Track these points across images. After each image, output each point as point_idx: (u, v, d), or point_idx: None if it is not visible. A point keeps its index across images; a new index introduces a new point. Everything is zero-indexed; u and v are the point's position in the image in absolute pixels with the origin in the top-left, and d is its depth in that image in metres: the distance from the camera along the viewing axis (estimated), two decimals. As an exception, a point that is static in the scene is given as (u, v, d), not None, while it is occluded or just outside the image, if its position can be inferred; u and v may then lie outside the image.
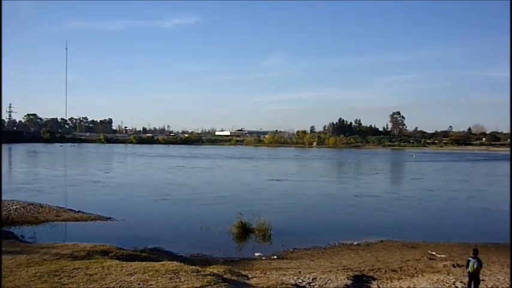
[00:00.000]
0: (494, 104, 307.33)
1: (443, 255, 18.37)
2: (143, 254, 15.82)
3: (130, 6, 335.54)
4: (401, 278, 14.93)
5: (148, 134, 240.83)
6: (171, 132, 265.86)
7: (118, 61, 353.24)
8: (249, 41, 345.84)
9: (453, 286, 13.91)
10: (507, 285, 14.01)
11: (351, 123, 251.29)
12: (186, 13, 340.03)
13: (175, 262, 12.80)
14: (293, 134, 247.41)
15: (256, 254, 19.05)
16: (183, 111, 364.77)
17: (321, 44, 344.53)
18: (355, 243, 21.48)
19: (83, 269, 11.41)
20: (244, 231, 22.83)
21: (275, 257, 18.66)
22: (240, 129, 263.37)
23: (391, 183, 56.29)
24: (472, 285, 12.64)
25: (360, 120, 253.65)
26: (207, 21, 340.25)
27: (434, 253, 18.95)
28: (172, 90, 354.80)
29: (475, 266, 12.31)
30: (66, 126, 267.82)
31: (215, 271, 12.37)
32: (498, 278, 14.73)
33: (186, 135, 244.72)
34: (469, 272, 12.51)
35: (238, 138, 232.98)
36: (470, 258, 12.47)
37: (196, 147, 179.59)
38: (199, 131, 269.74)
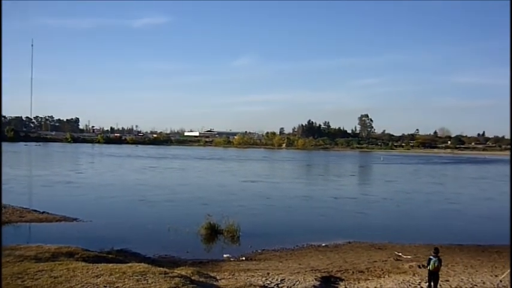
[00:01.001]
0: (459, 108, 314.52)
1: (409, 256, 18.65)
2: (110, 256, 15.57)
3: (101, 4, 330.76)
4: (368, 279, 15.09)
5: (116, 134, 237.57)
6: (140, 132, 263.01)
7: (87, 59, 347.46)
8: (219, 41, 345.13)
9: (419, 287, 14.15)
10: (470, 285, 14.30)
11: (320, 125, 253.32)
12: (156, 12, 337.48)
13: (142, 264, 12.63)
14: (262, 135, 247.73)
15: (225, 256, 18.99)
16: (152, 111, 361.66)
17: (290, 46, 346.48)
18: (323, 244, 21.62)
19: (47, 271, 11.14)
20: (213, 232, 22.73)
21: (243, 258, 18.63)
22: (209, 129, 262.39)
23: (360, 185, 56.91)
24: (432, 283, 13.04)
25: (329, 123, 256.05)
26: (178, 21, 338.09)
27: (400, 254, 19.23)
28: (142, 90, 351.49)
29: (435, 264, 12.74)
30: (31, 125, 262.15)
31: (183, 273, 12.26)
32: (462, 279, 15.03)
33: (155, 135, 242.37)
34: (429, 270, 12.93)
35: (207, 139, 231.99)
36: (431, 257, 12.90)
37: (165, 147, 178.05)
38: (168, 131, 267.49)
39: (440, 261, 12.91)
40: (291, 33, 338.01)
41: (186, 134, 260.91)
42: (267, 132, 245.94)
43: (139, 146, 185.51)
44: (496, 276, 15.42)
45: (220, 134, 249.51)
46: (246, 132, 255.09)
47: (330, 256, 19.15)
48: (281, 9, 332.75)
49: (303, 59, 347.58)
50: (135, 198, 34.95)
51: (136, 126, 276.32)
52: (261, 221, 27.74)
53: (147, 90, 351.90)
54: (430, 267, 12.82)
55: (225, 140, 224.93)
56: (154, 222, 25.71)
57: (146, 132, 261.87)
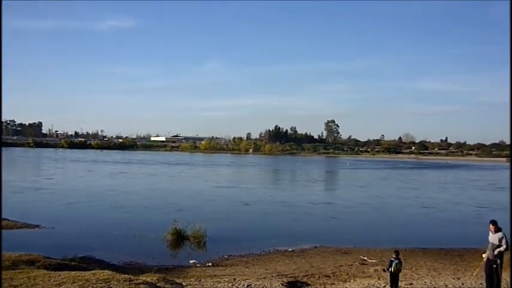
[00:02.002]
0: (422, 114, 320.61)
1: (374, 260, 18.86)
2: (73, 263, 15.23)
3: (63, 5, 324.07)
4: (334, 283, 15.19)
5: (80, 139, 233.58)
6: (105, 137, 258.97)
7: (50, 62, 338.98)
8: (185, 46, 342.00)
9: (383, 290, 14.30)
10: (433, 288, 14.55)
11: (286, 130, 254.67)
12: (121, 15, 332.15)
13: (106, 271, 12.39)
14: (229, 141, 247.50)
15: (191, 261, 18.83)
16: (117, 116, 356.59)
17: (257, 51, 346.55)
18: (290, 249, 21.68)
19: (7, 280, 10.80)
20: (179, 238, 22.53)
21: (210, 264, 18.51)
22: (175, 134, 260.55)
23: (326, 190, 57.40)
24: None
25: (295, 128, 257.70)
26: (143, 25, 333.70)
27: (366, 258, 19.42)
28: (107, 94, 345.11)
29: (397, 266, 13.16)
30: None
31: (148, 279, 12.08)
32: (425, 282, 15.27)
33: (121, 140, 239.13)
34: (391, 272, 13.25)
35: (174, 144, 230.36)
36: (392, 259, 13.27)
37: (130, 152, 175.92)
38: (134, 136, 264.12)
39: (401, 263, 13.31)
40: (257, 37, 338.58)
41: (152, 139, 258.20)
42: (234, 138, 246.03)
43: (105, 151, 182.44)
44: (458, 278, 15.73)
45: (186, 139, 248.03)
46: (212, 137, 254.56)
47: (297, 261, 19.20)
48: (249, 14, 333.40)
49: (270, 64, 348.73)
50: (102, 204, 34.39)
51: (102, 130, 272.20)
52: (228, 226, 27.63)
53: (112, 94, 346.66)
54: (392, 269, 13.17)
55: (192, 145, 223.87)
56: (120, 228, 25.30)
57: (112, 137, 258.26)
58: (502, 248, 12.11)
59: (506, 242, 12.05)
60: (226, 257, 20.00)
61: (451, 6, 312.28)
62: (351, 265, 18.29)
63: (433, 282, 15.11)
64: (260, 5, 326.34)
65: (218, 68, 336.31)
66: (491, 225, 12.51)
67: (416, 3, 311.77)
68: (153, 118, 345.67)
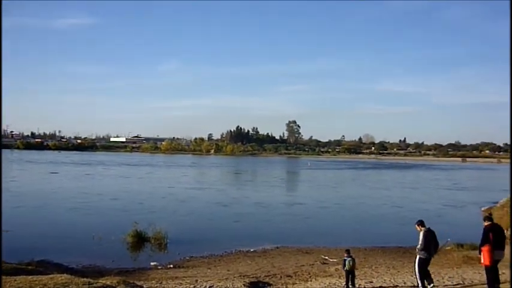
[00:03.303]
0: (382, 115, 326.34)
1: (335, 260, 19.04)
2: (29, 267, 14.82)
3: (24, 2, 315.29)
4: (296, 283, 15.27)
5: (37, 139, 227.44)
6: (63, 137, 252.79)
7: (6, 60, 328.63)
8: (145, 45, 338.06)
9: (344, 289, 14.47)
10: (392, 286, 14.79)
11: (248, 131, 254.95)
12: (80, 13, 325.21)
13: (65, 275, 12.10)
14: (191, 141, 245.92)
15: (152, 264, 18.63)
16: (76, 116, 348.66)
17: (218, 51, 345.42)
18: (251, 250, 21.73)
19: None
20: (140, 240, 22.27)
21: (171, 265, 18.36)
22: (136, 135, 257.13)
23: (287, 191, 57.78)
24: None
25: (257, 128, 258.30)
26: (103, 23, 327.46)
27: (327, 258, 19.62)
28: (64, 93, 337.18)
29: (351, 263, 13.47)
30: None
31: (108, 282, 11.86)
32: (384, 280, 15.50)
33: (79, 141, 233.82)
34: (346, 270, 13.58)
35: (134, 145, 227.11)
36: (345, 258, 13.59)
37: (89, 153, 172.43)
38: (93, 137, 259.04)
39: (354, 260, 13.63)
40: (217, 37, 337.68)
41: (112, 139, 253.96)
42: (195, 138, 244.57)
43: (62, 152, 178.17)
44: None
45: (147, 139, 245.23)
46: (174, 138, 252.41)
47: (259, 261, 19.24)
48: (209, 13, 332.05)
49: (230, 65, 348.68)
50: (62, 207, 33.62)
51: (59, 131, 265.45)
52: (190, 227, 27.50)
53: (70, 93, 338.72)
54: (347, 267, 13.51)
55: (153, 145, 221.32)
56: (80, 231, 24.83)
57: (70, 137, 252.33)
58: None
59: (420, 243, 12.61)
60: (188, 258, 19.89)
61: (408, 9, 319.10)
62: (312, 264, 18.46)
63: (392, 280, 15.36)
64: (221, 6, 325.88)
65: (179, 68, 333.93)
66: (417, 226, 13.02)
67: (376, 7, 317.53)
68: (113, 119, 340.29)
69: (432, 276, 15.25)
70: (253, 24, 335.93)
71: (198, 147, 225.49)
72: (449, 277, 15.45)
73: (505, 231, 24.88)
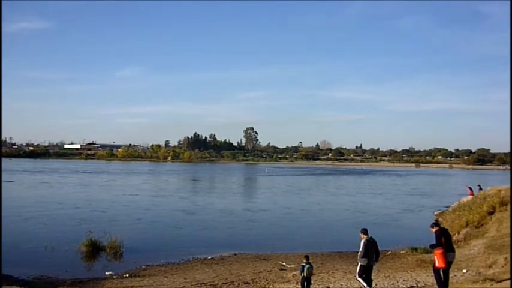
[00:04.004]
0: (338, 121, 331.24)
1: (292, 266, 19.10)
2: (-23, 280, 14.26)
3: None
4: (254, 290, 15.23)
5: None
6: (14, 144, 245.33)
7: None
8: (102, 51, 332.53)
9: (301, 295, 14.52)
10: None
11: (206, 137, 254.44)
12: (35, 17, 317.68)
13: (15, 286, 11.71)
14: (147, 148, 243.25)
15: (107, 273, 18.20)
16: (28, 122, 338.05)
17: (176, 59, 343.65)
18: (209, 257, 21.56)
19: None
20: (94, 249, 21.73)
21: (127, 275, 17.98)
22: (91, 142, 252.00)
23: (245, 198, 57.65)
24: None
25: (215, 135, 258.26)
26: (58, 28, 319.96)
27: (284, 264, 19.66)
28: (16, 99, 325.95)
29: (309, 270, 13.51)
30: None
31: (60, 294, 11.54)
32: (341, 284, 15.66)
33: (31, 148, 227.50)
34: (303, 276, 13.58)
35: (89, 152, 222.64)
36: (304, 264, 13.60)
37: (43, 161, 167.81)
38: (46, 144, 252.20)
39: (311, 267, 13.72)
40: (175, 44, 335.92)
41: (66, 146, 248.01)
42: (152, 145, 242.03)
43: (13, 159, 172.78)
44: (372, 279, 16.23)
45: (103, 146, 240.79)
46: (130, 144, 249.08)
47: (216, 269, 19.09)
48: (167, 20, 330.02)
49: (188, 71, 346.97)
50: (18, 216, 32.27)
51: (10, 138, 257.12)
52: (149, 235, 27.10)
53: (21, 99, 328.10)
54: (304, 273, 13.52)
55: (108, 152, 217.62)
56: (32, 240, 24.03)
57: (21, 144, 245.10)
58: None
59: (361, 250, 13.04)
60: (144, 267, 19.54)
61: (363, 18, 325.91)
62: (270, 271, 18.45)
63: (349, 285, 15.53)
64: (180, 13, 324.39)
65: (136, 74, 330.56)
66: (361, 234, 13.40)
67: (331, 15, 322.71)
68: (67, 125, 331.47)
69: (387, 279, 15.58)
70: (210, 32, 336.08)
71: (155, 154, 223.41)
72: (404, 280, 15.75)
73: (455, 235, 25.68)
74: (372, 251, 13.03)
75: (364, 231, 13.29)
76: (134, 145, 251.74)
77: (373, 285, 15.34)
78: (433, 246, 12.43)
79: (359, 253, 13.08)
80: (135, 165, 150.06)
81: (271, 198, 52.63)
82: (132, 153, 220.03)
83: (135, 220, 32.62)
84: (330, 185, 78.09)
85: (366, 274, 13.21)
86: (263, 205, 44.36)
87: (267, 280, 16.67)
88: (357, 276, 13.34)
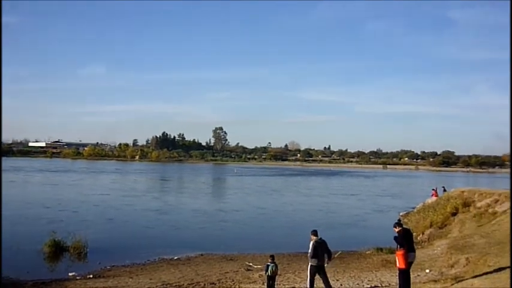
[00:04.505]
0: (307, 122, 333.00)
1: (259, 266, 19.08)
2: None
3: None
4: (220, 291, 15.17)
5: None
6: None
7: None
8: (68, 47, 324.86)
9: (267, 295, 14.53)
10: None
11: (174, 137, 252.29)
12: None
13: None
14: (115, 147, 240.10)
15: (70, 274, 17.85)
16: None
17: (143, 57, 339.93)
18: (175, 257, 21.38)
19: None
20: (58, 250, 21.28)
21: (91, 276, 17.67)
22: (57, 140, 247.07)
23: (212, 198, 57.54)
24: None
25: (183, 135, 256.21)
26: (19, 22, 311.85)
27: (251, 264, 19.64)
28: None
29: (273, 269, 13.72)
30: None
31: (21, 295, 11.26)
32: (307, 285, 15.71)
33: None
34: (268, 275, 13.80)
35: (54, 150, 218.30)
36: (268, 263, 13.82)
37: (6, 159, 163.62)
38: (10, 142, 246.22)
39: (276, 266, 13.92)
40: (144, 42, 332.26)
41: (30, 144, 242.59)
42: (120, 144, 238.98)
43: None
44: (337, 280, 16.37)
45: (69, 145, 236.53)
46: (97, 143, 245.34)
47: (182, 269, 18.95)
48: (136, 18, 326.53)
49: (157, 70, 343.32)
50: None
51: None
52: (114, 235, 26.74)
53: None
54: (269, 272, 13.73)
55: (74, 151, 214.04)
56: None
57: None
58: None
59: (310, 251, 13.45)
60: (108, 267, 19.24)
61: (333, 20, 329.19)
62: (237, 271, 18.40)
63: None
64: (148, 11, 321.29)
65: (103, 72, 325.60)
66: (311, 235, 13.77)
67: (301, 16, 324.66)
68: (32, 123, 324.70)
69: (352, 280, 15.73)
70: (179, 30, 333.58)
71: (123, 153, 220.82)
72: (369, 280, 15.93)
73: (419, 235, 26.15)
74: (321, 251, 13.40)
75: (314, 233, 13.68)
76: (101, 144, 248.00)
77: (338, 285, 15.52)
78: (397, 243, 12.69)
79: (308, 254, 13.45)
80: (102, 164, 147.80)
81: (243, 198, 52.62)
82: (99, 152, 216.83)
83: (105, 220, 32.22)
84: (301, 186, 78.45)
85: (318, 274, 13.59)
86: (235, 205, 44.29)
87: (233, 280, 16.63)
88: (308, 277, 13.66)
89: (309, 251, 13.40)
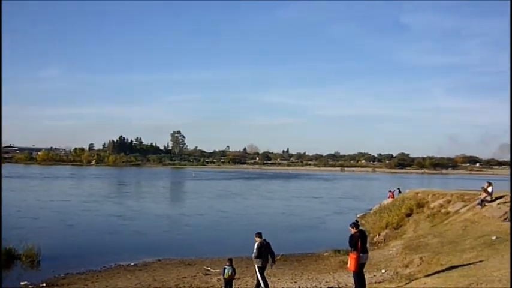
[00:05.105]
0: (266, 125, 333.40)
1: (217, 270, 18.97)
2: None
3: None
4: (177, 296, 15.01)
5: None
6: None
7: None
8: (20, 49, 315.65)
9: (225, 298, 14.48)
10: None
11: (131, 141, 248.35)
12: None
13: None
14: (70, 152, 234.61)
15: (22, 283, 17.28)
16: None
17: (99, 59, 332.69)
18: (132, 263, 21.06)
19: None
20: (9, 258, 20.57)
21: (44, 284, 17.19)
22: (8, 145, 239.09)
23: (169, 202, 57.05)
24: None
25: (141, 139, 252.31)
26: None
27: (209, 268, 19.54)
28: None
29: (229, 272, 13.95)
30: None
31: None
32: None
33: None
34: (225, 278, 14.00)
35: (6, 156, 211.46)
36: (226, 266, 14.03)
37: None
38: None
39: (234, 269, 14.14)
40: (99, 45, 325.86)
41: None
42: (75, 148, 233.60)
43: None
44: (296, 282, 16.50)
45: (21, 149, 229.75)
46: (51, 148, 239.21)
47: (139, 275, 18.66)
48: (92, 21, 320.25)
49: (113, 72, 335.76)
50: None
51: None
52: (68, 242, 26.11)
53: None
54: (226, 275, 13.93)
55: (27, 156, 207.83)
56: None
57: None
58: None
59: (255, 252, 13.78)
60: (62, 275, 18.74)
61: (293, 23, 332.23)
62: (195, 276, 18.28)
63: (277, 286, 15.69)
64: (105, 13, 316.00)
65: (57, 74, 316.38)
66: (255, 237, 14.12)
67: (262, 17, 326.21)
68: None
69: (310, 281, 15.86)
70: (136, 32, 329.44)
71: (78, 157, 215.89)
72: (326, 282, 16.11)
73: (378, 236, 26.61)
74: (266, 252, 13.74)
75: (259, 235, 14.01)
76: (56, 148, 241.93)
77: (296, 287, 15.61)
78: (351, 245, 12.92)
79: (253, 254, 13.76)
80: (57, 170, 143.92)
81: (205, 202, 52.22)
82: (53, 157, 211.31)
83: (65, 226, 31.65)
84: (262, 189, 78.44)
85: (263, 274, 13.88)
86: (197, 209, 43.95)
87: (191, 285, 16.54)
88: (259, 277, 13.83)
89: (254, 251, 13.70)
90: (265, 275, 14.10)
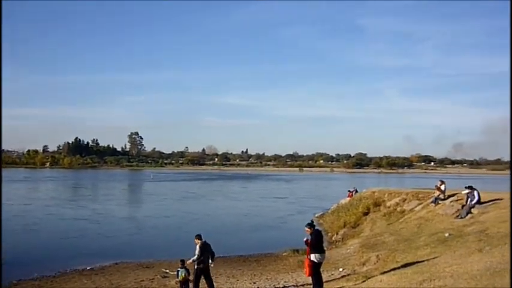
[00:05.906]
0: (225, 126, 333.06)
1: (175, 272, 18.81)
2: None
3: None
4: (135, 300, 14.79)
5: None
6: None
7: None
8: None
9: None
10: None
11: (88, 142, 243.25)
12: None
13: None
14: (23, 154, 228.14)
15: (-31, 292, 16.70)
16: None
17: (54, 58, 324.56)
18: (88, 268, 20.61)
19: None
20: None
21: (-6, 292, 16.64)
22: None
23: (125, 204, 55.88)
24: None
25: (97, 140, 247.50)
26: None
27: (167, 271, 19.30)
28: None
29: (183, 274, 14.23)
30: None
31: None
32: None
33: None
34: (180, 281, 14.24)
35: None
36: (179, 269, 14.27)
37: None
38: None
39: (187, 270, 14.34)
40: (54, 44, 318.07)
41: None
42: (29, 150, 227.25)
43: None
44: (255, 283, 16.50)
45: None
46: (3, 150, 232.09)
47: (96, 280, 18.29)
48: (47, 19, 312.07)
49: (68, 73, 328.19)
50: None
51: None
52: (19, 247, 25.17)
53: None
54: (180, 278, 14.19)
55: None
56: None
57: None
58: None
59: (197, 253, 14.01)
60: (15, 282, 18.14)
61: (249, 24, 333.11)
62: (152, 279, 18.06)
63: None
64: (60, 11, 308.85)
65: (8, 75, 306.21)
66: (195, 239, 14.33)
67: (218, 19, 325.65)
68: None
69: (269, 281, 15.93)
70: (91, 32, 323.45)
71: (32, 160, 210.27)
72: (285, 281, 16.17)
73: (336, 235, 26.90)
74: (206, 253, 13.95)
75: (199, 237, 14.23)
76: (8, 150, 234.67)
77: (255, 287, 15.63)
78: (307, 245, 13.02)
79: (195, 257, 13.92)
80: (9, 172, 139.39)
81: (152, 204, 51.91)
82: (5, 159, 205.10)
83: (20, 231, 30.67)
84: (224, 190, 78.34)
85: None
86: (143, 211, 43.84)
87: (148, 288, 16.30)
88: (194, 279, 14.03)
89: (196, 253, 13.86)
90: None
